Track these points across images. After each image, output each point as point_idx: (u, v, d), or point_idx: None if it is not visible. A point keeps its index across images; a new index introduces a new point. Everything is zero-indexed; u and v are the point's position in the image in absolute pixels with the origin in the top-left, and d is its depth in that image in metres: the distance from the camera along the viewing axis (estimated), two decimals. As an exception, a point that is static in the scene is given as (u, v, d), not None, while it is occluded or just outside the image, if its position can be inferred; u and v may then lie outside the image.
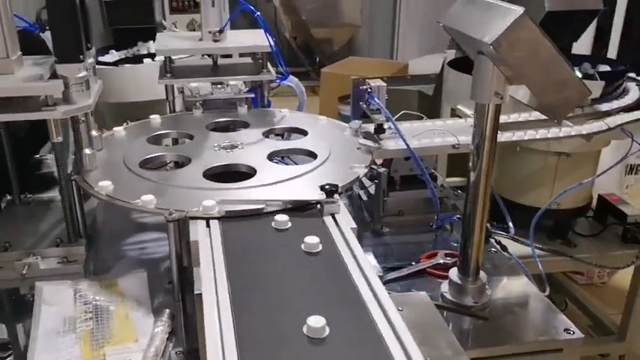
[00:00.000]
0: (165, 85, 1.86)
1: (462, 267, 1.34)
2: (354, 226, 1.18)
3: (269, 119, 1.80)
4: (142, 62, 2.63)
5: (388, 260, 1.51)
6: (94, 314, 1.21)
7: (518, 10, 1.06)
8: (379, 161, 1.62)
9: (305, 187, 1.33)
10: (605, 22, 3.82)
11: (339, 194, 1.27)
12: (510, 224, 1.64)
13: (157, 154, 1.55)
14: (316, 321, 0.85)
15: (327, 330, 0.85)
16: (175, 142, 1.76)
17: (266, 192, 1.32)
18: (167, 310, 1.22)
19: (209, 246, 1.11)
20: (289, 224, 1.16)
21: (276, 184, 1.35)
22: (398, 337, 0.85)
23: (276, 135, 1.75)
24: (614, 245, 2.03)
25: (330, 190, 1.25)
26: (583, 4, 2.06)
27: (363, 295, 0.94)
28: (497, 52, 1.07)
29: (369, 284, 0.97)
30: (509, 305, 1.36)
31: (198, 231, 1.16)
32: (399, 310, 0.92)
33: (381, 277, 1.05)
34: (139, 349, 1.12)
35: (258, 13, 1.82)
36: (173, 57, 1.87)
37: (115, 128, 1.70)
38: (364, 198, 1.78)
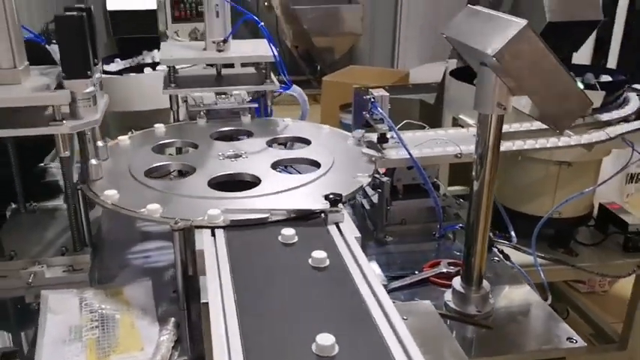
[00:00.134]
0: (170, 95, 1.88)
1: (465, 276, 1.35)
2: (358, 235, 1.19)
3: (272, 128, 1.82)
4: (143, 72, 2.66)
5: (391, 269, 1.52)
6: (99, 323, 1.21)
7: (521, 22, 1.07)
8: (382, 170, 1.63)
9: (309, 196, 1.35)
10: (604, 32, 3.84)
11: (343, 203, 1.28)
12: (512, 233, 1.65)
13: (162, 163, 1.56)
14: (325, 339, 0.83)
15: (337, 348, 0.84)
16: (179, 151, 1.77)
17: (270, 201, 1.33)
18: (172, 319, 1.22)
19: (214, 255, 1.12)
20: (296, 238, 1.15)
21: (280, 194, 1.37)
22: (407, 355, 0.84)
23: (279, 144, 1.76)
24: (616, 254, 2.03)
25: (334, 200, 1.26)
26: (583, 15, 2.08)
27: (371, 310, 0.94)
28: (500, 63, 1.08)
29: (375, 297, 0.97)
30: (512, 314, 1.36)
31: (203, 240, 1.17)
32: (403, 319, 0.93)
33: (385, 286, 1.05)
34: (144, 357, 1.13)
35: (262, 23, 1.84)
36: (177, 66, 1.89)
37: (119, 137, 1.72)
38: (367, 207, 1.79)
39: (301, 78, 5.28)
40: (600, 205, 2.15)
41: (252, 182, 1.45)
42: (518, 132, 1.74)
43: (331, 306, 0.98)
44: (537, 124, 1.71)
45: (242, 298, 0.97)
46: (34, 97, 1.33)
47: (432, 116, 2.66)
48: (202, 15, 1.91)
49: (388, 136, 1.64)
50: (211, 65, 2.00)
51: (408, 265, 1.53)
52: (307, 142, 1.72)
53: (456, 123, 2.20)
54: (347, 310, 0.96)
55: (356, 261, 1.08)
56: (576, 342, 1.25)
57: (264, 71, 1.90)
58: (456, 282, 1.36)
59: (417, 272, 1.48)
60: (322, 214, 1.25)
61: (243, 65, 2.08)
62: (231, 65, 2.07)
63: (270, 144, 1.70)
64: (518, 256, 1.60)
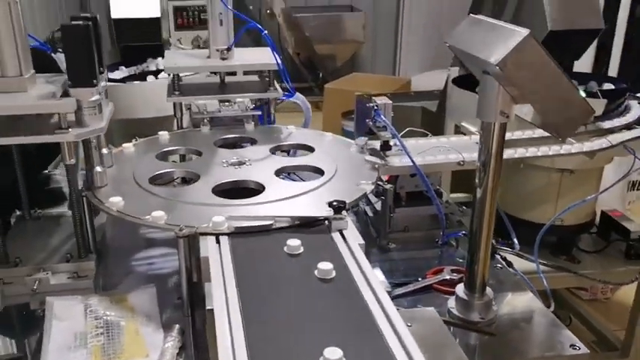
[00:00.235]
0: (174, 102, 1.89)
1: (468, 283, 1.35)
2: (362, 242, 1.20)
3: (276, 136, 1.83)
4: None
5: (394, 276, 1.52)
6: (104, 329, 1.22)
7: (524, 31, 1.08)
8: (385, 178, 1.64)
9: (313, 203, 1.35)
10: (605, 40, 3.86)
11: (347, 211, 1.28)
12: (515, 240, 1.65)
13: (166, 171, 1.57)
14: (333, 353, 0.83)
15: None
16: (182, 158, 1.78)
17: (274, 208, 1.33)
18: (177, 326, 1.23)
19: (219, 262, 1.12)
20: (301, 249, 1.15)
21: (284, 201, 1.37)
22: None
23: (283, 152, 1.77)
24: (618, 261, 2.04)
25: (337, 207, 1.27)
26: (584, 24, 2.10)
27: (377, 321, 0.94)
28: (503, 72, 1.09)
29: (381, 306, 0.97)
30: (515, 321, 1.37)
31: (208, 247, 1.18)
32: (408, 325, 0.93)
33: (389, 293, 1.06)
34: (149, 364, 1.14)
35: (266, 31, 1.85)
36: (180, 74, 1.90)
37: (124, 144, 1.73)
38: (370, 214, 1.79)
39: (303, 85, 5.31)
40: (602, 212, 2.16)
41: (256, 189, 1.46)
42: (521, 139, 1.75)
43: (338, 318, 0.97)
44: (539, 132, 1.71)
45: (247, 306, 0.98)
46: (41, 105, 1.35)
47: (433, 123, 2.68)
48: (204, 23, 1.92)
49: (391, 143, 1.65)
50: (215, 73, 2.01)
51: (411, 272, 1.54)
52: (311, 149, 1.73)
53: (458, 130, 2.21)
54: (354, 323, 0.95)
55: (361, 270, 1.08)
56: (579, 349, 1.26)
57: (267, 79, 1.91)
58: (459, 289, 1.37)
59: (420, 279, 1.48)
60: (326, 222, 1.26)
61: (246, 73, 2.09)
62: (234, 73, 2.08)
63: (273, 151, 1.71)
64: (520, 264, 1.60)
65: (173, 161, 1.74)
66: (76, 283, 1.41)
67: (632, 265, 2.02)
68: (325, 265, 1.06)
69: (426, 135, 1.81)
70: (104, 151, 1.53)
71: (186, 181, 1.59)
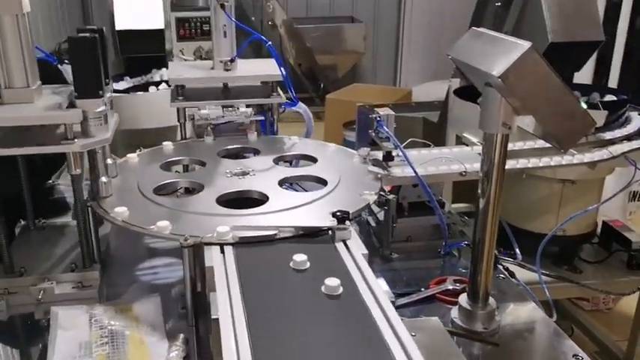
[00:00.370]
0: (177, 109, 1.90)
1: (471, 293, 1.36)
2: (366, 252, 1.21)
3: (279, 146, 1.84)
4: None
5: (397, 286, 1.52)
6: (109, 339, 1.22)
7: (525, 44, 1.10)
8: (388, 188, 1.65)
9: (316, 213, 1.36)
10: (605, 52, 3.89)
11: (350, 221, 1.29)
12: (517, 250, 1.66)
13: (170, 181, 1.58)
14: None
15: None
16: (186, 168, 1.79)
17: (278, 218, 1.34)
18: (181, 335, 1.23)
19: (224, 272, 1.13)
20: (308, 264, 1.14)
21: (287, 211, 1.38)
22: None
23: (286, 162, 1.78)
24: (620, 272, 2.05)
25: (341, 217, 1.27)
26: (585, 36, 2.12)
27: (384, 334, 0.93)
28: (505, 84, 1.10)
29: (387, 319, 0.97)
30: (518, 331, 1.37)
31: (213, 257, 1.18)
32: (412, 335, 0.94)
33: (392, 303, 1.06)
34: (154, 373, 1.14)
35: (270, 42, 1.87)
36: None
37: (128, 155, 1.74)
38: (373, 224, 1.80)
39: (304, 95, 5.31)
40: (604, 222, 2.17)
41: (260, 200, 1.47)
42: (523, 150, 1.76)
43: (346, 335, 0.96)
44: (541, 143, 1.73)
45: (252, 316, 0.98)
46: (47, 116, 1.36)
47: (435, 134, 2.69)
48: (206, 34, 1.94)
49: (394, 154, 1.66)
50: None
51: (414, 281, 1.54)
52: (314, 159, 1.74)
53: (460, 141, 2.22)
54: (362, 341, 0.94)
55: (367, 283, 1.08)
56: (582, 359, 1.26)
57: (270, 86, 1.92)
58: (462, 299, 1.37)
59: (423, 289, 1.49)
60: (330, 232, 1.27)
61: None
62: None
63: (276, 161, 1.72)
64: (523, 274, 1.61)
65: (176, 171, 1.76)
66: (81, 293, 1.42)
67: (634, 276, 2.02)
68: (332, 282, 1.05)
69: (428, 146, 1.82)
70: (109, 161, 1.55)
71: (190, 191, 1.60)
